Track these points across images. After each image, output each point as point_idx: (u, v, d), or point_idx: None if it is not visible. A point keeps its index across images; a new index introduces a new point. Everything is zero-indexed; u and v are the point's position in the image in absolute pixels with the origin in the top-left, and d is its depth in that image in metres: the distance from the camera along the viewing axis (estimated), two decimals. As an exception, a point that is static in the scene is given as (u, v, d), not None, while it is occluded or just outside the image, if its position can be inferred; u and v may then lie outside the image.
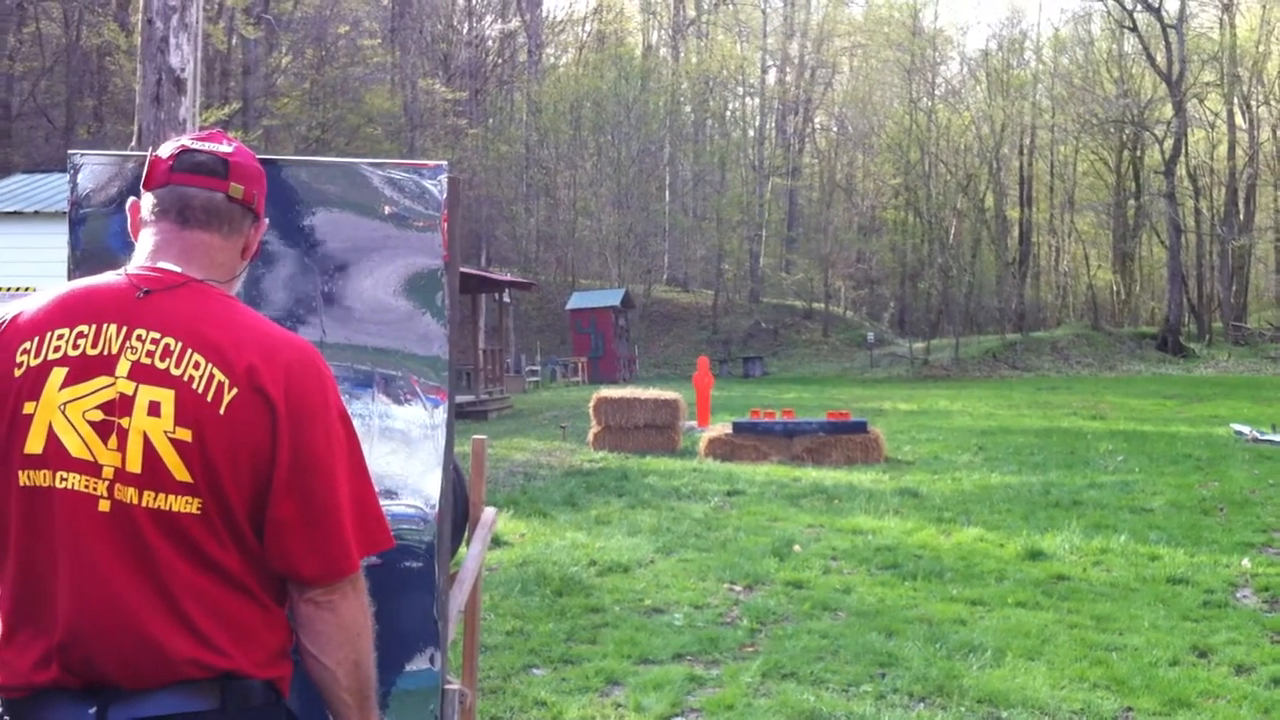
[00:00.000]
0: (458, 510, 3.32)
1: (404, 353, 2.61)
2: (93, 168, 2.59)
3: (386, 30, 50.85)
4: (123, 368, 1.77)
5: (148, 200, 1.92)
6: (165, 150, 1.92)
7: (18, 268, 14.68)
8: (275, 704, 1.82)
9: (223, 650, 1.74)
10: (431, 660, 2.56)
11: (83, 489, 1.73)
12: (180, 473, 1.73)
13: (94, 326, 1.79)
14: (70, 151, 2.62)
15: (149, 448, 1.73)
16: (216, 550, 1.75)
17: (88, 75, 38.61)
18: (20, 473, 1.75)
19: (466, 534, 3.53)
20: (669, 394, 15.98)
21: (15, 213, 15.23)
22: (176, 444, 1.73)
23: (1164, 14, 44.87)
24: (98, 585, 1.71)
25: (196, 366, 1.76)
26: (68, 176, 2.60)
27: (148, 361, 1.77)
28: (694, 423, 17.93)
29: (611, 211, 49.63)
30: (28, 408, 1.76)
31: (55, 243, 14.36)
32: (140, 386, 1.75)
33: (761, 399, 24.64)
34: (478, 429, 18.73)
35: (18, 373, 1.78)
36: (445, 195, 2.61)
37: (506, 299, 31.78)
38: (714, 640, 6.12)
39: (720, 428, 15.34)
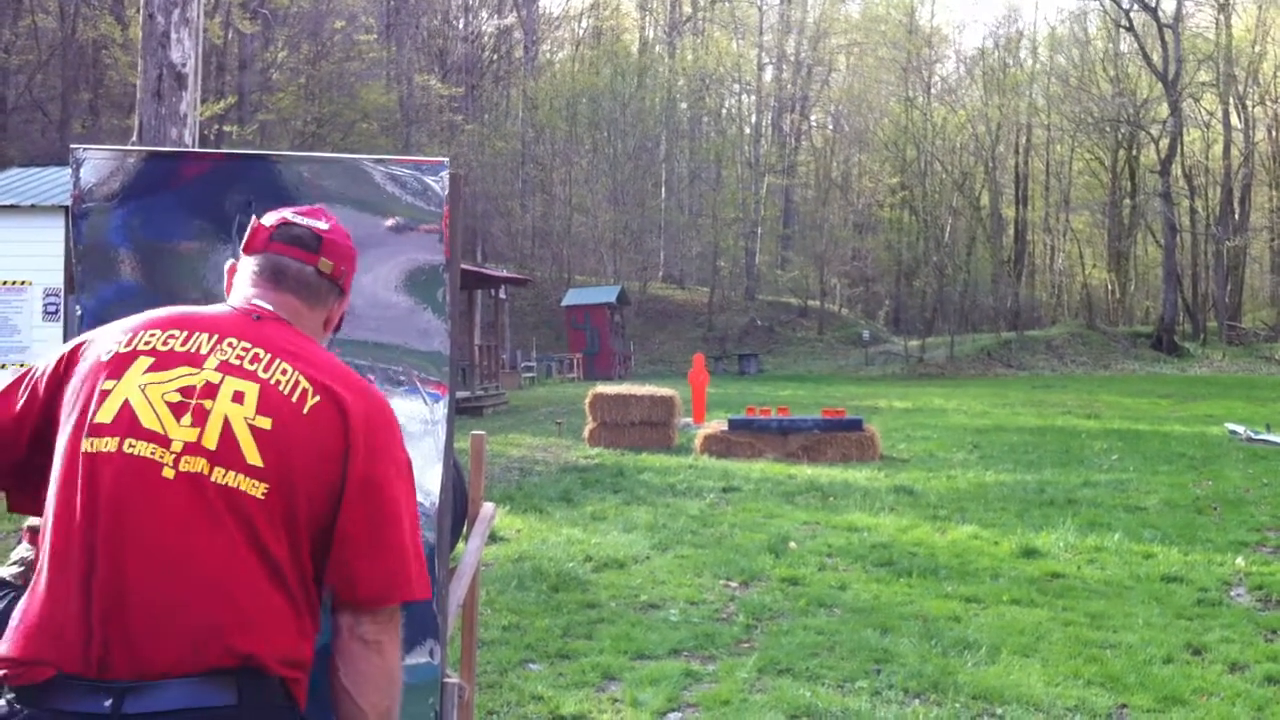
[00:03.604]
0: (457, 505, 3.33)
1: (404, 348, 2.62)
2: (95, 162, 2.60)
3: (383, 25, 50.74)
4: (211, 363, 1.86)
5: (247, 264, 2.06)
6: (269, 219, 2.07)
7: (13, 261, 14.65)
8: (291, 708, 1.83)
9: (251, 629, 1.76)
10: (431, 654, 2.57)
11: (149, 455, 1.77)
12: (253, 456, 1.79)
13: (186, 332, 1.90)
14: (73, 146, 2.62)
15: (227, 429, 1.81)
16: (269, 536, 1.79)
17: (83, 69, 38.46)
18: (85, 439, 1.80)
19: (465, 529, 3.55)
20: (665, 391, 15.99)
21: (11, 206, 15.18)
22: (255, 430, 1.81)
23: (1160, 14, 44.96)
24: (148, 549, 1.73)
25: (284, 373, 1.87)
26: (65, 170, 2.61)
27: (236, 362, 1.87)
28: (689, 420, 17.95)
29: (607, 208, 49.64)
30: (107, 385, 1.84)
31: (51, 236, 14.46)
32: (226, 378, 1.85)
33: (757, 396, 24.65)
34: (473, 425, 18.73)
35: (105, 357, 1.87)
36: (447, 192, 2.62)
37: (502, 295, 31.76)
38: (710, 636, 6.13)
39: (716, 425, 15.35)
